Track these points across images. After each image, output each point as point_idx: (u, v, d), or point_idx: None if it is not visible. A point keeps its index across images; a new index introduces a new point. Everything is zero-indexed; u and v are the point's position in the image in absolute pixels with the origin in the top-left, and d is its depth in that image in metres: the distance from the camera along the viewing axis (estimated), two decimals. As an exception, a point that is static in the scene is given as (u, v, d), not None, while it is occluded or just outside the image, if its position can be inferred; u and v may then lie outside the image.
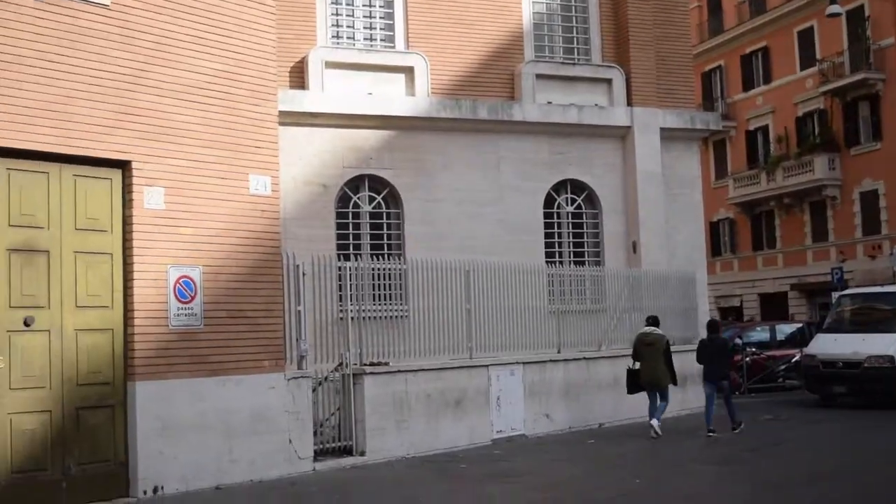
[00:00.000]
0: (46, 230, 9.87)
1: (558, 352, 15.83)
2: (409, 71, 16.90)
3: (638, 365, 14.75)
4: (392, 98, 16.57)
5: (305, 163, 15.66)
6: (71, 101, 9.93)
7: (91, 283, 10.12)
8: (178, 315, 10.57)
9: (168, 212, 10.59)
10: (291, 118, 14.93)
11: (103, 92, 10.18)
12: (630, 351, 15.12)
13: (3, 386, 9.42)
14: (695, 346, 15.84)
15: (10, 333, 9.51)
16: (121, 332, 10.31)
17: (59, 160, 9.96)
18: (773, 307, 39.16)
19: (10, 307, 9.53)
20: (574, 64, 18.71)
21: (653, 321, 15.10)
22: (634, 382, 14.81)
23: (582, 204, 18.40)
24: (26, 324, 9.60)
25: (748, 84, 41.83)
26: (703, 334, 15.85)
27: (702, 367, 15.00)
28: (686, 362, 16.25)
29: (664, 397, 14.72)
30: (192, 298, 10.69)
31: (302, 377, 11.74)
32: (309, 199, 15.66)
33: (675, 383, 14.81)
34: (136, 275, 10.32)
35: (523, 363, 14.91)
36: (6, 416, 9.41)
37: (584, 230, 18.43)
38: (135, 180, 10.39)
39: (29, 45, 9.66)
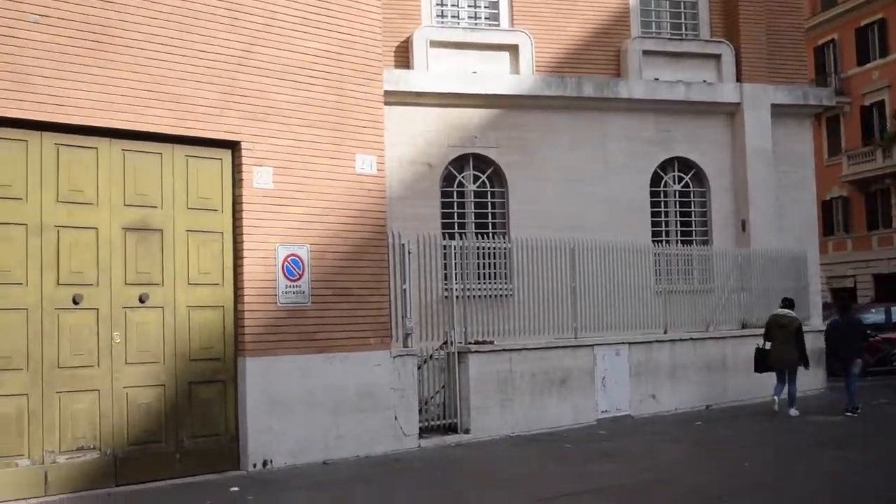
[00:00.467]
0: (160, 209, 10.14)
1: (665, 332, 15.64)
2: (513, 49, 16.83)
3: (768, 345, 14.74)
4: (497, 76, 16.52)
5: (410, 142, 15.73)
6: (182, 83, 10.15)
7: (202, 261, 10.37)
8: (286, 293, 10.75)
9: (276, 191, 10.76)
10: (396, 98, 15.01)
11: (212, 73, 10.39)
12: (741, 331, 14.97)
13: (120, 360, 9.73)
14: (807, 328, 15.51)
15: (125, 310, 9.81)
16: (231, 308, 10.54)
17: (171, 141, 10.21)
18: (889, 288, 38.00)
19: (126, 284, 9.83)
20: (682, 39, 18.39)
21: (787, 303, 15.15)
22: (763, 362, 14.85)
23: (689, 182, 18.11)
24: (141, 300, 9.89)
25: (863, 58, 40.53)
26: (815, 315, 15.54)
27: (832, 347, 14.95)
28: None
29: (793, 379, 14.69)
30: (300, 276, 10.86)
31: (407, 355, 11.85)
32: (414, 178, 15.74)
33: (806, 367, 14.76)
34: (245, 253, 10.52)
35: (629, 343, 14.78)
36: (123, 390, 9.72)
37: (692, 209, 18.13)
38: (244, 160, 10.58)
39: (142, 29, 9.90)
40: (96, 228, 9.69)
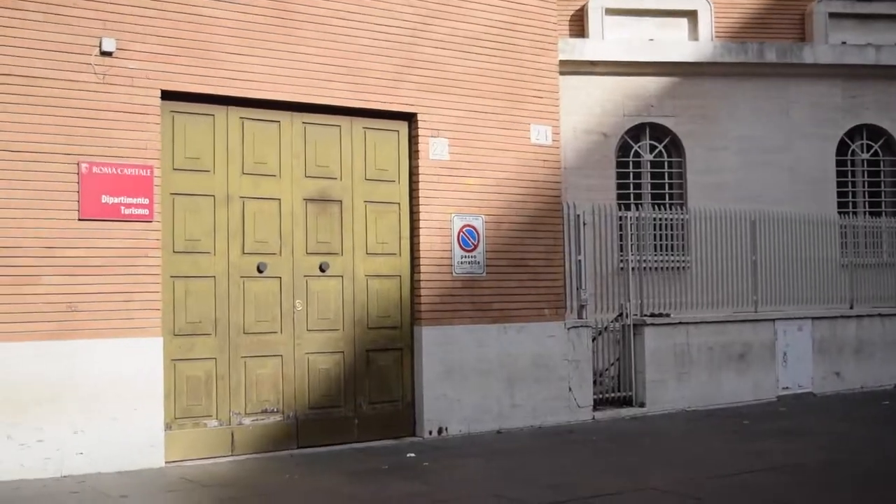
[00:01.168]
0: (339, 181, 10.37)
1: (851, 307, 15.03)
2: (691, 15, 16.39)
3: None
4: (674, 43, 16.13)
5: (585, 111, 15.57)
6: (361, 56, 10.33)
7: (380, 231, 10.57)
8: (461, 263, 10.85)
9: (452, 162, 10.85)
10: (571, 67, 14.86)
11: (390, 46, 10.53)
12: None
13: (302, 327, 10.04)
14: None
15: (307, 278, 10.11)
16: (408, 278, 10.71)
17: (350, 114, 10.42)
18: None
19: (307, 254, 10.12)
20: (871, 0, 17.49)
21: None
22: None
23: (879, 151, 17.26)
24: (322, 269, 10.16)
25: None
26: None
27: None
28: None
29: None
30: (475, 247, 10.94)
31: (582, 326, 11.78)
32: (589, 148, 15.58)
33: None
34: (421, 223, 10.66)
35: (812, 318, 14.26)
36: (304, 356, 10.04)
37: (882, 178, 17.28)
38: (420, 132, 10.70)
39: (324, 4, 10.12)
40: (279, 199, 10.01)
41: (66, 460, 8.59)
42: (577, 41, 15.64)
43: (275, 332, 9.90)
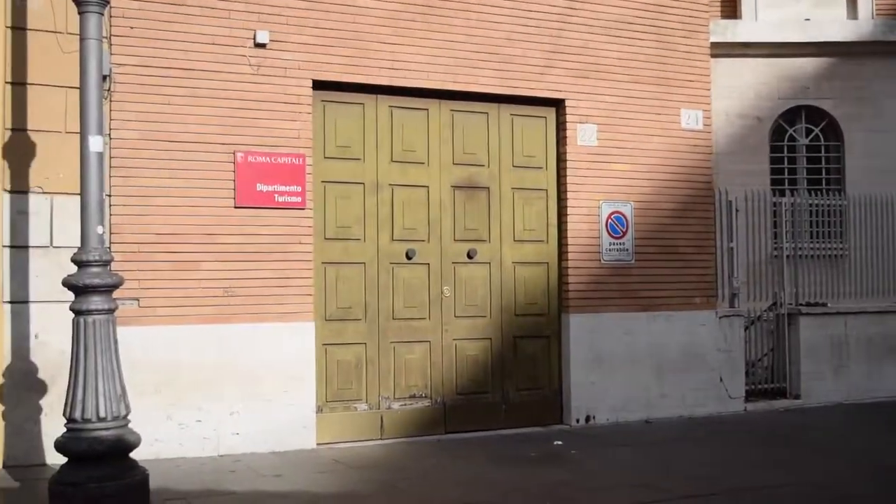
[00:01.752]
0: (486, 168, 10.39)
1: None
2: (851, -8, 15.76)
3: None
4: (831, 22, 15.51)
5: (738, 95, 15.15)
6: (509, 43, 10.32)
7: (527, 218, 10.55)
8: (609, 250, 10.74)
9: (600, 148, 10.73)
10: (723, 49, 14.48)
11: (537, 32, 10.47)
12: None
13: (449, 313, 10.12)
14: None
15: (454, 265, 10.17)
16: (555, 265, 10.67)
17: (497, 101, 10.42)
18: None
19: (455, 240, 10.18)
20: None
21: None
22: None
23: None
24: (469, 256, 10.21)
25: None
26: None
27: None
28: None
29: None
30: (624, 234, 10.80)
31: (734, 315, 11.52)
32: (741, 132, 15.15)
33: None
34: (569, 210, 10.59)
35: (980, 308, 13.59)
36: (452, 342, 10.12)
37: None
38: (568, 118, 10.62)
39: (471, -9, 10.16)
40: (427, 187, 10.09)
41: (223, 440, 8.88)
42: (729, 22, 15.21)
43: (423, 319, 10.01)
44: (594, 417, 10.57)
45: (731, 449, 9.43)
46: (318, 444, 9.29)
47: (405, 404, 9.89)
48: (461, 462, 8.78)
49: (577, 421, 10.51)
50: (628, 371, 10.77)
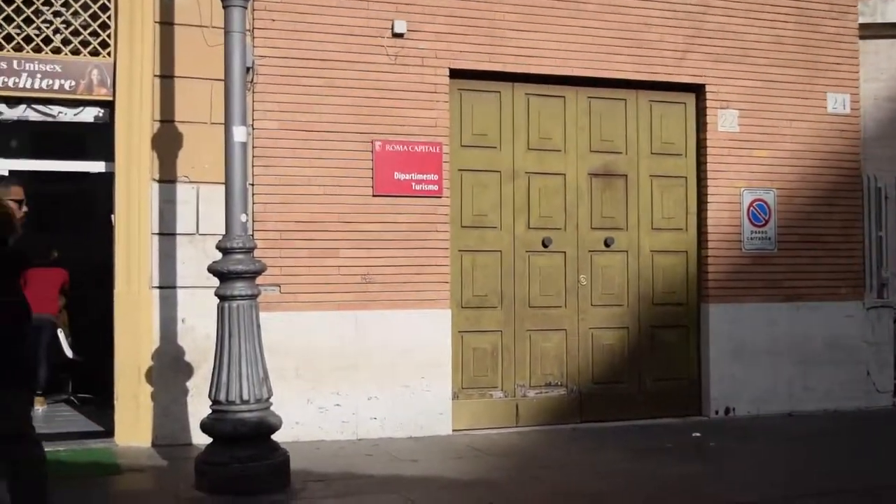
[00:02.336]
0: (624, 155, 10.27)
1: None
2: None
3: None
4: None
5: (887, 77, 14.53)
6: (646, 27, 10.15)
7: (666, 205, 10.38)
8: (751, 239, 10.47)
9: (741, 134, 10.47)
10: (871, 30, 13.88)
11: (675, 16, 10.27)
12: None
13: (586, 302, 10.05)
14: None
15: (591, 253, 10.09)
16: (694, 254, 10.47)
17: (635, 87, 10.27)
18: None
19: (592, 228, 10.09)
20: None
21: None
22: None
23: None
24: (606, 244, 10.11)
25: None
26: None
27: None
28: None
29: None
30: (766, 222, 10.52)
31: (883, 307, 11.09)
32: (891, 116, 14.55)
33: None
34: (709, 198, 10.37)
35: None
36: (588, 331, 10.04)
37: None
38: (708, 103, 10.39)
39: (608, -24, 10.03)
40: (563, 174, 10.03)
41: (361, 424, 9.03)
42: (878, 2, 14.58)
43: (559, 307, 9.96)
44: (734, 410, 10.34)
45: (876, 445, 9.10)
46: (453, 430, 9.35)
47: (540, 392, 9.87)
48: (596, 451, 8.72)
49: (716, 413, 10.30)
50: (770, 363, 10.49)
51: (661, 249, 10.36)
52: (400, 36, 9.28)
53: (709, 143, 10.38)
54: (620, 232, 10.21)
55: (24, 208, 5.49)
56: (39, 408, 10.29)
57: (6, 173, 8.55)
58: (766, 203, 10.51)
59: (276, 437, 7.15)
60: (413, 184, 9.27)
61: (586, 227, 10.09)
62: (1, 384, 4.95)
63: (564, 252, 10.00)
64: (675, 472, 7.83)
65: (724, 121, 10.40)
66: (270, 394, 7.13)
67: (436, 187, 9.34)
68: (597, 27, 9.95)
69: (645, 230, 10.30)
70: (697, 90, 10.45)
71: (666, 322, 10.36)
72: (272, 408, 7.16)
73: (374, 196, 9.18)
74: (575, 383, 9.99)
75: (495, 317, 9.74)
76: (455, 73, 9.53)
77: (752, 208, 10.46)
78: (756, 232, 10.48)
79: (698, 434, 9.45)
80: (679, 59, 10.26)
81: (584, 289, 10.05)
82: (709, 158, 10.37)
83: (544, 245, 9.90)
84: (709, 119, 10.38)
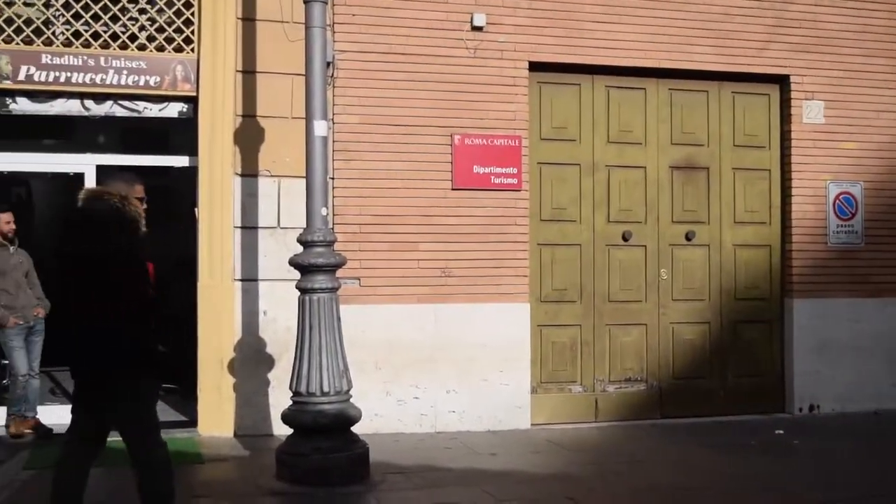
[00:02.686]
0: (706, 147, 10.12)
1: None
2: None
3: None
4: None
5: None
6: (728, 17, 9.98)
7: (749, 199, 10.21)
8: (836, 233, 10.25)
9: (827, 126, 10.24)
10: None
11: (760, 5, 10.08)
12: None
13: (667, 296, 9.94)
14: None
15: (672, 247, 9.98)
16: (778, 248, 10.28)
17: (717, 78, 10.11)
18: None
19: (673, 222, 9.98)
20: None
21: None
22: None
23: None
24: (688, 238, 9.99)
25: None
26: None
27: None
28: None
29: None
30: (853, 215, 10.29)
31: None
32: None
33: None
34: (793, 191, 10.17)
35: None
36: (669, 325, 9.93)
37: None
38: (793, 94, 10.18)
39: (690, -34, 9.89)
40: (644, 167, 9.93)
41: (440, 417, 9.06)
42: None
43: (639, 301, 9.87)
44: (818, 407, 10.14)
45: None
46: (532, 424, 9.33)
47: (620, 387, 9.79)
48: (677, 447, 8.63)
49: (800, 410, 10.11)
50: (856, 359, 10.26)
51: (744, 243, 10.19)
52: (479, 29, 9.26)
53: (793, 134, 10.17)
54: (702, 226, 10.07)
55: (145, 205, 5.63)
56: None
57: (81, 171, 8.78)
58: (852, 196, 10.28)
59: (355, 428, 7.20)
60: (492, 177, 9.25)
61: (667, 221, 9.97)
62: (135, 373, 5.12)
63: (645, 246, 9.90)
64: (758, 469, 7.70)
65: (809, 112, 10.19)
66: (350, 386, 7.18)
67: (515, 181, 9.31)
68: (678, 18, 9.82)
69: (727, 224, 10.15)
70: (781, 81, 10.25)
71: (749, 317, 10.19)
72: (352, 400, 7.21)
73: (453, 189, 9.18)
74: (655, 378, 9.89)
75: (574, 311, 9.69)
76: (534, 66, 9.48)
77: (837, 201, 10.23)
78: (842, 226, 10.26)
79: (781, 431, 9.29)
80: (761, 50, 10.07)
81: (664, 283, 9.94)
82: (793, 151, 10.17)
83: (624, 239, 9.81)
84: (793, 110, 10.18)
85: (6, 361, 8.56)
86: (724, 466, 7.81)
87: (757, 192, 10.23)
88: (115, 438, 5.25)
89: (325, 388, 6.98)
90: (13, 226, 8.52)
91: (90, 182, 8.83)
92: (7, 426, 8.45)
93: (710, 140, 10.14)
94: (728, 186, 10.16)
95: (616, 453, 8.34)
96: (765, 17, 10.09)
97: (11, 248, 8.52)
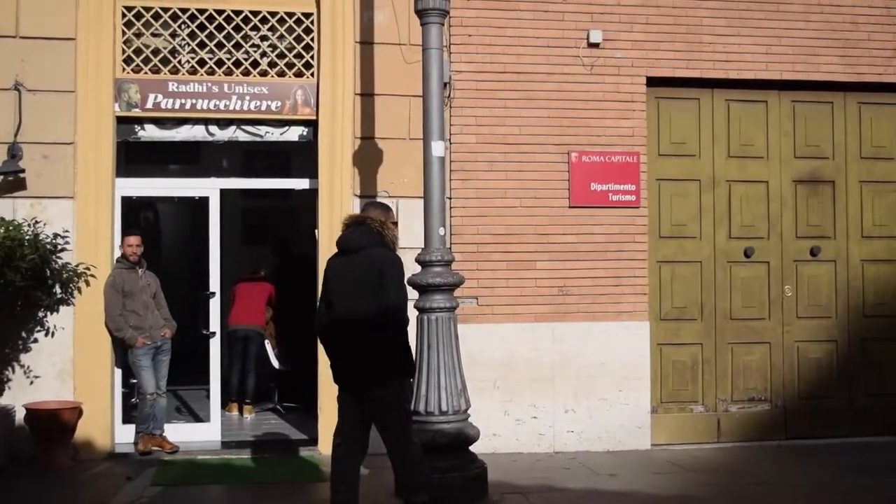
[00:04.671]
0: (831, 160, 9.85)
1: None
2: None
3: None
4: None
5: None
6: (854, 27, 9.70)
7: (877, 212, 9.89)
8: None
9: (959, 136, 9.88)
10: None
11: (886, 13, 9.77)
12: None
13: (791, 314, 9.69)
14: None
15: (796, 263, 9.73)
16: (907, 263, 9.95)
17: (842, 89, 9.84)
18: None
19: (797, 237, 9.73)
20: None
21: None
22: None
23: None
24: (812, 253, 9.73)
25: None
26: None
27: None
28: None
29: None
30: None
31: None
32: None
33: None
34: (917, 204, 9.85)
35: None
36: (793, 344, 9.68)
37: None
38: (923, 104, 9.86)
39: (811, -25, 9.66)
40: (766, 182, 9.71)
41: (558, 437, 9.00)
42: None
43: (762, 319, 9.64)
44: (954, 428, 9.75)
45: None
46: (652, 444, 9.20)
47: (743, 407, 9.57)
48: (805, 469, 8.40)
49: (933, 431, 9.74)
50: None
51: (873, 258, 9.87)
52: (596, 45, 9.21)
53: (924, 146, 9.85)
54: (828, 241, 9.79)
55: (397, 230, 6.41)
56: (247, 415, 10.75)
57: (206, 195, 9.02)
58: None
59: (473, 448, 7.21)
60: (610, 194, 9.18)
61: (791, 236, 9.73)
62: (396, 373, 5.93)
63: (768, 262, 9.67)
64: (893, 493, 7.43)
65: (943, 122, 9.84)
66: (468, 405, 7.19)
67: (633, 197, 9.22)
68: (800, 28, 9.59)
69: (854, 238, 9.85)
70: (914, 91, 9.93)
71: (878, 334, 9.85)
72: (470, 419, 7.22)
73: (570, 207, 9.14)
74: (779, 398, 9.64)
75: (695, 329, 9.52)
76: (652, 81, 9.39)
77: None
78: (979, 239, 9.86)
79: (915, 455, 8.97)
80: (889, 59, 9.76)
81: (788, 300, 9.69)
82: (924, 162, 9.85)
83: (746, 255, 9.60)
84: (923, 121, 9.86)
85: (135, 381, 8.83)
86: (856, 490, 7.58)
87: (886, 206, 9.90)
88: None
89: (444, 408, 7.01)
90: (141, 248, 8.78)
91: (214, 206, 9.09)
92: (136, 443, 8.71)
93: (836, 152, 9.86)
94: (855, 200, 9.86)
95: (741, 475, 8.16)
96: (892, 26, 9.78)
97: (140, 271, 8.79)
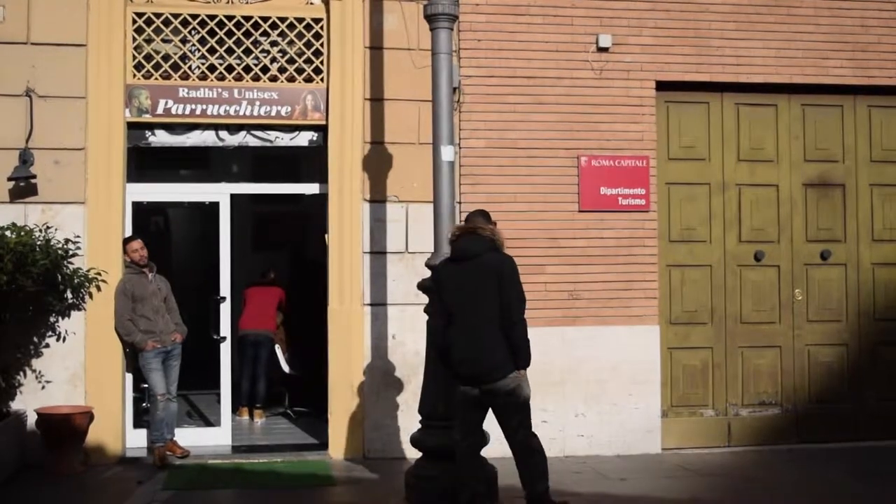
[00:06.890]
0: (841, 163, 9.84)
1: None
2: None
3: None
4: None
5: None
6: (864, 30, 9.69)
7: (888, 215, 9.87)
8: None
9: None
10: None
11: (894, 17, 9.77)
12: None
13: (801, 317, 9.67)
14: None
15: (807, 266, 9.71)
16: (919, 266, 9.92)
17: (852, 92, 9.82)
18: None
19: (807, 241, 9.72)
20: None
21: None
22: None
23: None
24: (823, 257, 9.71)
25: None
26: None
27: None
28: None
29: None
30: None
31: None
32: None
33: None
34: (914, 205, 9.84)
35: None
36: (804, 347, 9.66)
37: None
38: (932, 107, 9.83)
39: (822, -23, 9.65)
40: (776, 185, 9.70)
41: (568, 441, 8.99)
42: None
43: (773, 323, 9.63)
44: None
45: None
46: (662, 448, 9.19)
47: (754, 411, 9.56)
48: (816, 474, 8.38)
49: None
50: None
51: (883, 262, 9.85)
52: (605, 50, 9.22)
53: (922, 148, 9.83)
54: (838, 244, 9.78)
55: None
56: (258, 420, 10.77)
57: (216, 199, 9.03)
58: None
59: (484, 452, 7.19)
60: (619, 198, 9.18)
61: (801, 240, 9.71)
62: (519, 365, 6.53)
63: (778, 266, 9.66)
64: (903, 498, 7.43)
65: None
66: (479, 410, 7.18)
67: (643, 202, 9.22)
68: (810, 31, 9.58)
69: (865, 242, 9.83)
70: (907, 95, 9.90)
71: (889, 338, 9.83)
72: (481, 424, 7.21)
73: (579, 211, 9.14)
74: (790, 402, 9.62)
75: (705, 333, 9.51)
76: (661, 86, 9.39)
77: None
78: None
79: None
80: (899, 62, 9.76)
81: (799, 304, 9.68)
82: (925, 164, 9.82)
83: (756, 259, 9.59)
84: (930, 124, 9.84)
85: (146, 385, 8.85)
86: (868, 494, 7.56)
87: (896, 209, 9.90)
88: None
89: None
90: (145, 252, 8.76)
91: (225, 210, 9.14)
92: (149, 450, 8.72)
93: (846, 156, 9.85)
94: (865, 203, 9.84)
95: (752, 480, 8.14)
96: (901, 29, 9.78)
97: (150, 275, 8.81)
